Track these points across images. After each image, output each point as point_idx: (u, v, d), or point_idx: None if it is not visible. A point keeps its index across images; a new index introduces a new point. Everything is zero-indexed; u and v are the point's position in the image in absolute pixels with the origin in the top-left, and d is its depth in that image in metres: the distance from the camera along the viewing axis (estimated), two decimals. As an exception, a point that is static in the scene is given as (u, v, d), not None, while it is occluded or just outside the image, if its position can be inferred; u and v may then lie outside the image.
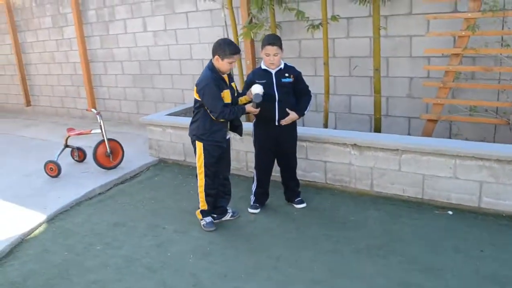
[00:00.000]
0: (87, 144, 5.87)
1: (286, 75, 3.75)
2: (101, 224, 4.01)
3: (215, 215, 3.87)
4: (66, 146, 5.47)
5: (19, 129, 8.29)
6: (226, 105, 3.50)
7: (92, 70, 8.20)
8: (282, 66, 3.76)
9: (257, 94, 3.49)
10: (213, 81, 3.45)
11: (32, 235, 3.90)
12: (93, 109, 5.16)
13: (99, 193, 4.77)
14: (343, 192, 4.35)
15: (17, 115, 9.89)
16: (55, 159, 5.21)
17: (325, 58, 5.00)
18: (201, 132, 3.60)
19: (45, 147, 6.59)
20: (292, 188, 4.13)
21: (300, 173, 4.56)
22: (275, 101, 3.72)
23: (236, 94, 3.71)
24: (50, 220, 4.15)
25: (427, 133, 4.58)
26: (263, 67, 3.76)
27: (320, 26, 4.99)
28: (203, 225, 3.79)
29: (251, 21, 5.59)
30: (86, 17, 7.93)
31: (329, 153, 4.36)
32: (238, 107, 3.58)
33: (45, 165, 5.21)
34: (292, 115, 3.77)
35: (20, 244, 3.75)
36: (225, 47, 3.40)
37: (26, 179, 5.24)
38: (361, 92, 5.40)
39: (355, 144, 4.16)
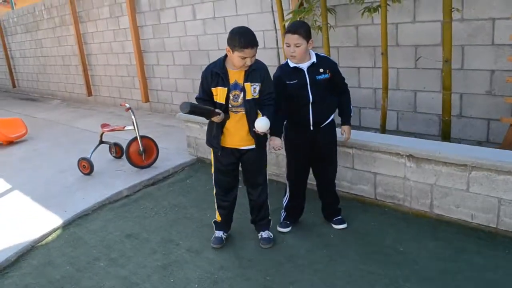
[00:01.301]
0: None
1: (321, 70, 3.05)
2: (114, 234, 3.62)
3: (226, 233, 3.38)
4: (101, 142, 5.21)
5: (76, 119, 8.34)
6: (207, 101, 2.95)
7: (145, 61, 7.97)
8: (314, 59, 3.05)
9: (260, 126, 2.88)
10: (206, 72, 2.94)
11: (43, 242, 3.62)
12: (126, 104, 4.81)
13: (126, 196, 4.42)
14: (395, 212, 3.58)
15: (80, 105, 10.06)
16: (89, 156, 4.96)
17: (383, 47, 4.18)
18: (207, 134, 3.11)
19: (92, 140, 6.38)
20: (330, 205, 3.46)
21: (345, 185, 3.87)
22: (309, 104, 3.06)
23: (245, 98, 2.92)
24: (66, 225, 3.86)
25: (510, 142, 3.63)
26: (291, 64, 3.08)
27: (379, 9, 4.18)
28: (211, 239, 3.31)
29: (301, 4, 4.89)
30: (139, 6, 7.68)
31: (380, 163, 3.60)
32: (205, 109, 2.88)
33: (79, 162, 4.98)
34: (348, 132, 3.30)
35: (28, 252, 3.48)
36: (236, 37, 2.77)
37: (60, 176, 5.06)
38: (429, 87, 4.51)
39: (411, 155, 3.37)
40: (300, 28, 2.94)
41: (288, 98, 3.11)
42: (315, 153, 3.24)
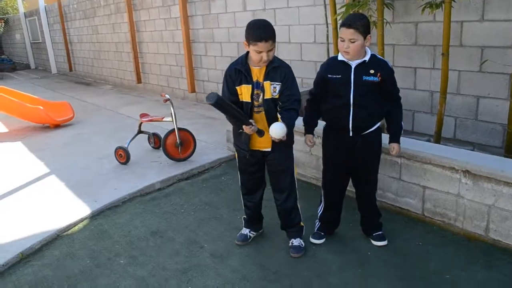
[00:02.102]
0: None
1: (371, 71, 2.70)
2: (140, 230, 3.48)
3: (253, 232, 3.23)
4: (140, 132, 5.12)
5: (122, 106, 8.39)
6: (236, 102, 2.72)
7: (194, 51, 7.86)
8: (367, 58, 2.71)
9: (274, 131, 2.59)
10: (229, 70, 2.74)
11: (69, 231, 3.55)
12: (166, 95, 4.67)
13: (158, 189, 4.29)
14: (444, 232, 3.18)
15: (129, 91, 10.16)
16: (126, 145, 4.88)
17: (445, 47, 3.76)
18: (234, 136, 2.94)
19: (134, 127, 6.34)
20: (369, 219, 3.12)
21: (389, 196, 3.52)
22: (350, 106, 2.73)
23: (264, 98, 2.71)
24: (94, 216, 3.76)
25: None
26: (340, 57, 2.77)
27: (442, 5, 3.75)
28: (237, 235, 3.23)
29: (355, -3, 4.53)
30: (191, -5, 7.58)
31: (431, 176, 3.22)
32: (238, 112, 2.62)
33: (116, 150, 4.92)
34: (398, 150, 2.93)
35: (53, 241, 3.40)
36: (251, 30, 2.58)
37: (98, 163, 5.02)
38: (494, 93, 4.03)
39: (467, 171, 2.97)
40: (357, 22, 2.61)
41: (329, 95, 2.82)
42: (354, 163, 2.92)
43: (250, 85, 2.71)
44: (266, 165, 2.99)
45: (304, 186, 3.96)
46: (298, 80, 5.35)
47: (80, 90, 10.99)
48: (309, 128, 3.01)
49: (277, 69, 2.71)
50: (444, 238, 3.12)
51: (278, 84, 2.71)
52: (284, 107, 2.70)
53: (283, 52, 6.01)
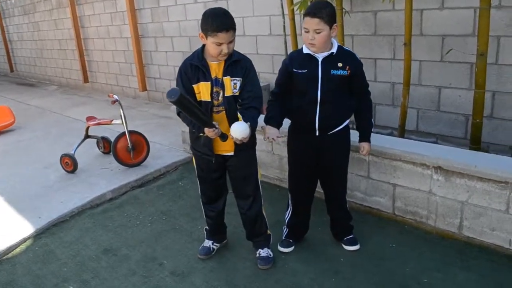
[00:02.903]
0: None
1: (340, 65, 2.48)
2: (90, 248, 3.13)
3: (216, 244, 2.97)
4: (87, 136, 4.72)
5: (69, 107, 7.85)
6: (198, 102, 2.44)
7: (143, 47, 7.44)
8: (334, 49, 2.50)
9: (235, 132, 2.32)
10: (183, 67, 2.45)
11: (9, 254, 3.15)
12: (114, 95, 4.30)
13: (110, 199, 3.94)
14: (416, 230, 3.05)
15: (76, 91, 9.57)
16: (72, 152, 4.47)
17: (407, 36, 3.62)
18: (191, 138, 2.67)
19: (82, 131, 5.92)
20: (340, 222, 2.94)
21: (358, 196, 3.35)
22: (316, 103, 2.51)
23: (225, 95, 2.44)
24: (38, 234, 3.38)
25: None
26: (305, 50, 2.53)
27: (402, -8, 3.61)
28: (199, 248, 2.97)
29: (312, -13, 4.32)
30: (138, -13, 7.14)
31: (401, 173, 3.07)
32: (201, 112, 2.31)
33: (61, 158, 4.49)
34: (368, 150, 2.72)
35: (-11, 268, 3.01)
36: (209, 20, 2.30)
37: (42, 173, 4.57)
38: (456, 83, 3.94)
39: (439, 167, 2.83)
40: (323, 10, 2.36)
41: (293, 92, 2.59)
42: (322, 164, 2.71)
43: (209, 82, 2.43)
44: (227, 170, 2.73)
45: (268, 188, 3.73)
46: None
47: (22, 92, 10.24)
48: (272, 125, 2.66)
49: (238, 63, 2.45)
50: (417, 237, 2.98)
51: (238, 80, 2.45)
52: (244, 104, 2.45)
53: (237, 45, 5.66)
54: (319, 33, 2.38)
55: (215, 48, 2.33)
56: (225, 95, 2.44)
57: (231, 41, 2.36)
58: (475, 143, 3.53)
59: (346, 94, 2.57)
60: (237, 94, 2.46)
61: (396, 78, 4.28)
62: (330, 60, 2.49)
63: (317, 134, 2.57)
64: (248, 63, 2.50)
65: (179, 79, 2.48)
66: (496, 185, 2.63)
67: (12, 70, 13.22)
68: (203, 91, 2.44)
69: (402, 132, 3.92)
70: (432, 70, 4.04)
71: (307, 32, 2.42)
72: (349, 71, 2.49)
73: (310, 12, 2.37)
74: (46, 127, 6.58)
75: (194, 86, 2.44)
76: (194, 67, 2.43)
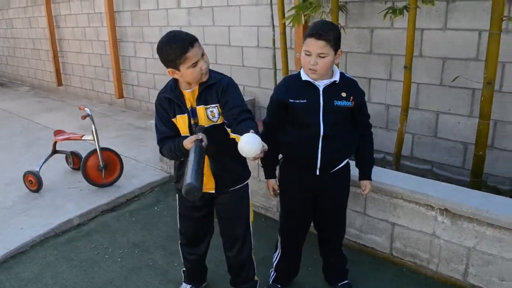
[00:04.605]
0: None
1: (343, 94, 2.17)
2: (50, 289, 2.76)
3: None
4: (55, 151, 4.30)
5: (40, 112, 7.36)
6: (175, 137, 2.13)
7: (121, 51, 7.02)
8: (336, 77, 2.19)
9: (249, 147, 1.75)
10: (159, 101, 2.16)
11: (-46, 294, 2.75)
12: (86, 108, 3.91)
13: (77, 225, 3.55)
14: (416, 275, 2.77)
15: (48, 94, 9.05)
16: (37, 169, 4.05)
17: (408, 59, 3.34)
18: (176, 173, 2.32)
19: (51, 141, 5.52)
20: (335, 266, 2.63)
21: (352, 232, 3.06)
22: (319, 138, 2.19)
23: (201, 124, 2.11)
24: (-9, 269, 2.98)
25: None
26: (304, 77, 2.21)
27: (405, 11, 3.34)
28: None
29: (305, -1, 4.03)
30: (117, -12, 6.73)
31: (402, 212, 2.79)
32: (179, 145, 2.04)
33: (24, 175, 4.07)
34: (370, 189, 2.44)
35: None
36: (168, 48, 1.96)
37: (2, 191, 4.14)
38: (455, 109, 3.70)
39: (446, 209, 2.55)
40: (330, 32, 2.05)
41: (290, 126, 2.27)
42: (319, 205, 2.40)
43: (186, 114, 2.11)
44: (215, 209, 2.39)
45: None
46: (239, 88, 4.77)
47: (-9, 92, 9.68)
48: (270, 171, 2.42)
49: (212, 88, 2.09)
50: (417, 282, 2.71)
51: (215, 106, 2.10)
52: (235, 120, 1.99)
53: (222, 56, 5.41)
54: (323, 57, 2.06)
55: (193, 72, 1.99)
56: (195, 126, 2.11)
57: (203, 53, 2.03)
58: (477, 176, 3.28)
59: (350, 128, 2.27)
60: (218, 122, 2.12)
61: (391, 100, 4.02)
62: (332, 90, 2.18)
63: (317, 173, 2.25)
64: (225, 82, 2.11)
65: (157, 116, 2.16)
66: (510, 233, 2.36)
67: (-18, 68, 12.55)
68: (181, 125, 2.12)
69: (397, 161, 3.65)
70: (430, 94, 3.79)
71: (309, 55, 2.09)
72: (353, 102, 2.19)
73: (316, 33, 2.04)
74: (11, 135, 6.07)
75: (173, 120, 2.12)
76: (168, 100, 2.12)
